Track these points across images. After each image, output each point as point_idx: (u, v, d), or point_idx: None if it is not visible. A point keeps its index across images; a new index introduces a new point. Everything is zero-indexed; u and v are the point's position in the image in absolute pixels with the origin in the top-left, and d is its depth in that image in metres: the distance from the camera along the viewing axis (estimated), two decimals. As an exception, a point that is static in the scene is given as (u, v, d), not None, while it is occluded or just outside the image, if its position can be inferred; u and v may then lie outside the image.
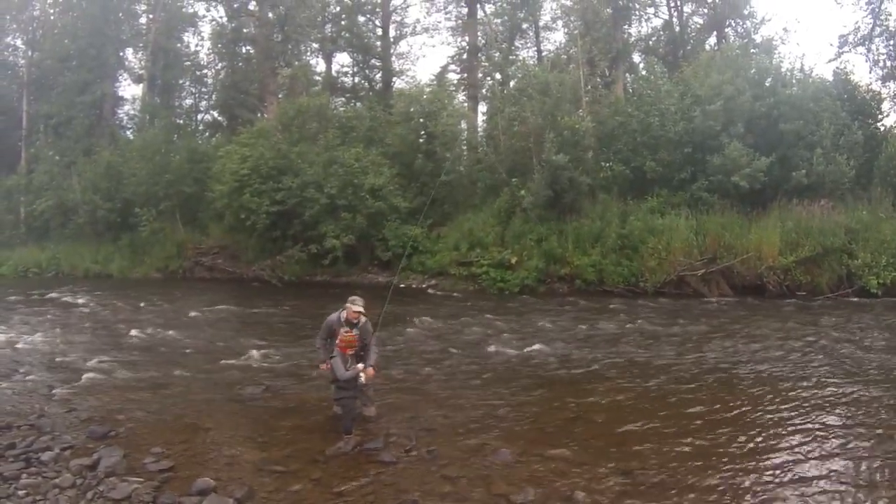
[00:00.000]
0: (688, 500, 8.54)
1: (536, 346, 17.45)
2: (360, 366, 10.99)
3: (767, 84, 29.72)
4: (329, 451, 10.55)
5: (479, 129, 41.28)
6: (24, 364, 16.26)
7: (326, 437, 11.16)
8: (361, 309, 11.16)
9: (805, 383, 13.74)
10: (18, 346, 18.25)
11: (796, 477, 9.16)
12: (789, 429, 10.96)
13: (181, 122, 48.00)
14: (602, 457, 10.06)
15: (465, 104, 42.66)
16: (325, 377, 11.55)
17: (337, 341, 10.89)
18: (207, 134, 49.14)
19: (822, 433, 10.78)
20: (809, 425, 11.19)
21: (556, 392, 13.64)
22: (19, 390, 13.98)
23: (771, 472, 9.27)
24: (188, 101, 52.47)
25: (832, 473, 9.21)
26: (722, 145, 27.66)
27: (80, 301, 26.31)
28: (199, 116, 51.94)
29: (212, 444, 11.00)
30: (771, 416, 11.61)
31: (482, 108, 43.35)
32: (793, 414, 11.77)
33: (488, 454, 10.28)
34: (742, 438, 10.60)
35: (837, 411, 11.93)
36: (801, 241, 24.85)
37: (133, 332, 19.90)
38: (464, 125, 39.54)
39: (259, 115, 43.04)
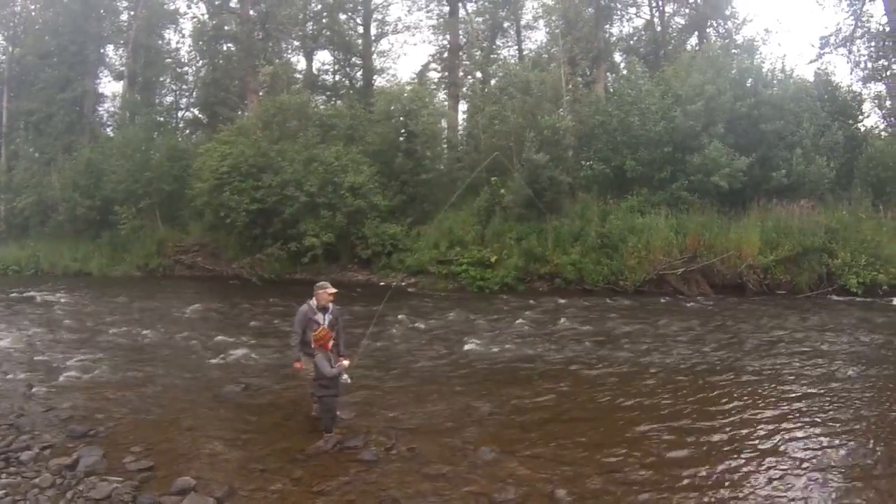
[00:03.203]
0: (669, 498, 8.58)
1: (516, 345, 17.52)
2: (346, 363, 11.04)
3: (748, 84, 29.83)
4: (309, 449, 10.57)
5: (459, 128, 41.27)
6: (2, 363, 16.21)
7: (306, 435, 11.18)
8: (334, 290, 11.21)
9: (786, 380, 13.84)
10: (-4, 342, 18.22)
11: (779, 474, 9.18)
12: (771, 426, 11.00)
13: (162, 119, 47.69)
14: (583, 455, 10.13)
15: (446, 103, 42.66)
16: (302, 375, 11.55)
17: (313, 340, 10.91)
18: (188, 131, 49.07)
19: (805, 429, 10.90)
20: (792, 422, 11.28)
21: (537, 390, 13.67)
22: None
23: (751, 469, 9.32)
24: (169, 99, 52.41)
25: (815, 467, 9.31)
26: (702, 145, 27.81)
27: (60, 299, 26.24)
28: (180, 114, 51.87)
29: (192, 443, 11.00)
30: (753, 412, 11.69)
31: (463, 106, 43.33)
32: (775, 410, 11.87)
33: (469, 453, 10.31)
34: (724, 436, 10.64)
35: (822, 407, 12.03)
36: (780, 240, 24.93)
37: (112, 331, 19.88)
38: (444, 124, 39.57)
39: (240, 112, 43.00)
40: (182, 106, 52.13)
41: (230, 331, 19.78)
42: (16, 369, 15.60)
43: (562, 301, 24.05)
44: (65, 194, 39.19)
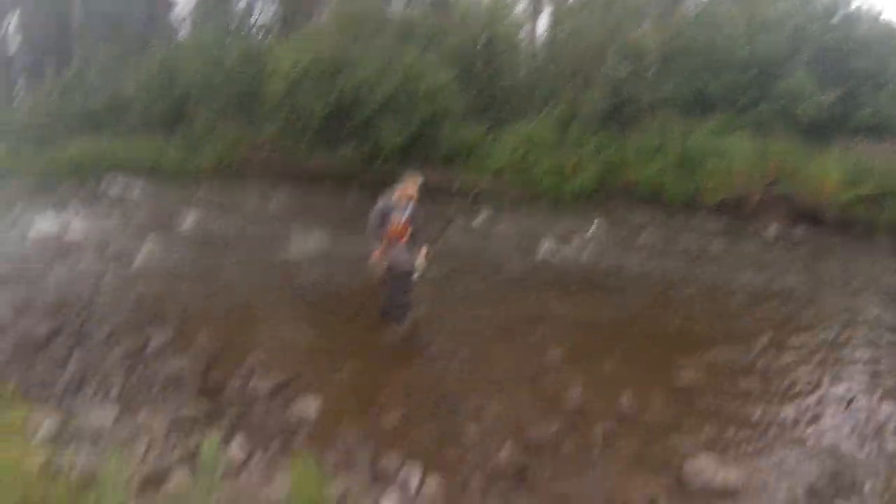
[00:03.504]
0: (730, 423, 8.47)
1: (592, 254, 17.40)
2: (421, 258, 10.91)
3: (837, 19, 28.63)
4: (379, 338, 10.60)
5: (539, 38, 40.52)
6: (77, 250, 16.55)
7: (374, 327, 11.23)
8: (417, 186, 11.06)
9: (868, 324, 13.27)
10: (72, 233, 18.52)
11: (848, 426, 8.88)
12: (850, 371, 10.65)
13: (236, 22, 47.40)
14: (651, 368, 10.15)
15: (527, 12, 41.84)
16: (374, 267, 11.44)
17: (389, 233, 10.86)
18: (262, 34, 48.72)
19: (881, 379, 10.45)
20: (871, 369, 10.88)
21: (609, 299, 13.59)
22: (72, 275, 14.33)
23: (821, 414, 8.99)
24: (243, 3, 51.93)
25: (885, 424, 8.94)
26: (787, 73, 26.83)
27: (134, 192, 26.57)
28: (254, 17, 51.42)
29: (261, 329, 11.18)
30: (832, 354, 11.22)
31: (544, 16, 42.47)
32: (856, 355, 11.45)
33: (536, 356, 10.44)
34: (798, 374, 10.32)
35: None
36: (862, 178, 23.59)
37: (186, 222, 20.04)
38: (524, 33, 38.81)
39: (314, 16, 42.55)
40: (257, 9, 51.70)
41: (303, 224, 19.95)
42: (90, 256, 15.98)
43: (638, 214, 23.82)
44: (139, 93, 39.22)
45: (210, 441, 4.69)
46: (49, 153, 39.76)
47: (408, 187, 11.07)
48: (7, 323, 11.28)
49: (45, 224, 19.61)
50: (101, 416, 8.16)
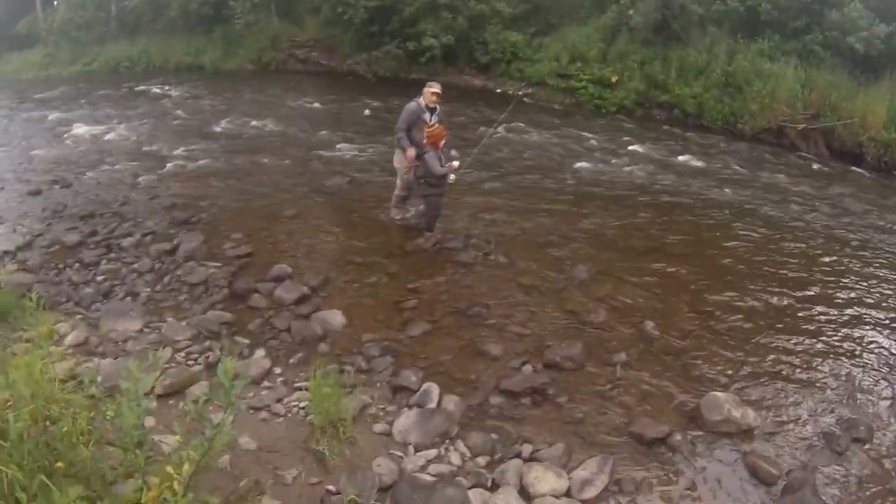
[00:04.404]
0: (751, 364, 8.28)
1: (629, 170, 17.15)
2: (456, 163, 10.77)
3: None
4: (408, 246, 10.61)
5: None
6: (111, 154, 16.63)
7: (407, 232, 11.16)
8: (439, 90, 10.90)
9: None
10: (107, 137, 18.56)
11: (873, 346, 8.98)
12: (873, 300, 10.49)
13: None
14: (677, 292, 9.99)
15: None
16: (405, 171, 11.28)
17: (425, 136, 10.62)
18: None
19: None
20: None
21: (640, 219, 13.42)
22: (105, 180, 14.32)
23: (847, 337, 8.95)
24: None
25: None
26: (842, 2, 26.07)
27: (170, 93, 26.42)
28: None
29: (292, 233, 11.15)
30: (868, 300, 10.77)
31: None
32: (878, 285, 11.25)
33: (565, 269, 10.41)
34: (826, 301, 10.20)
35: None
36: None
37: (222, 123, 20.01)
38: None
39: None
40: None
41: (340, 125, 19.89)
42: (124, 160, 15.96)
43: (679, 133, 23.38)
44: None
45: (229, 353, 4.63)
46: (86, 56, 39.74)
47: (427, 94, 10.85)
48: (40, 231, 11.37)
49: (81, 128, 19.60)
50: (126, 324, 8.24)
